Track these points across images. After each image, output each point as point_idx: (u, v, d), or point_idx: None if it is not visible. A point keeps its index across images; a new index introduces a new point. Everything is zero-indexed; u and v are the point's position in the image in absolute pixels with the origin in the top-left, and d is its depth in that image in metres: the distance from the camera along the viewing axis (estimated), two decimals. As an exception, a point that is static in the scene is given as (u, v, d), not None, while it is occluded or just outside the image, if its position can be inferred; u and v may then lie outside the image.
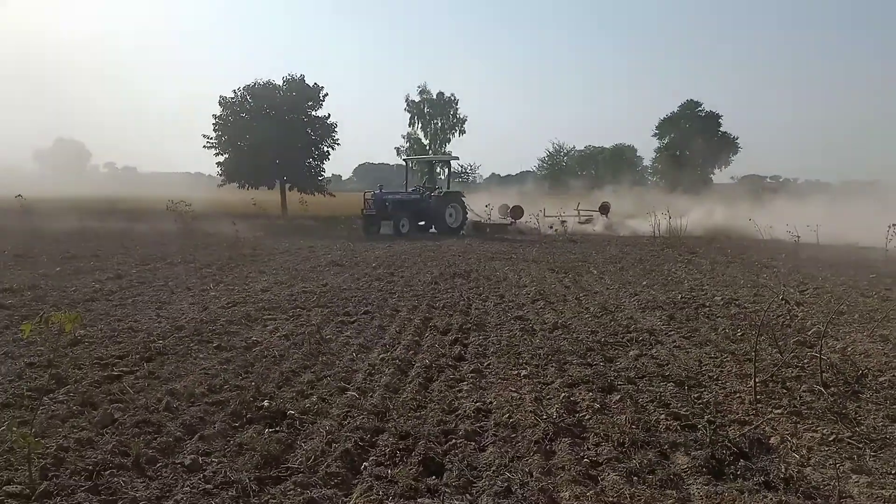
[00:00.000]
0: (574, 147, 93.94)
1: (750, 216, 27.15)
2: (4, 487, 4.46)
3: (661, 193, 53.25)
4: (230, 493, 4.45)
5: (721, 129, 79.57)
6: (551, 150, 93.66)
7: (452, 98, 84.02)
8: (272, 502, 4.36)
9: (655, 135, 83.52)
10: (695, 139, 74.67)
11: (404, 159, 33.74)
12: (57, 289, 12.50)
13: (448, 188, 31.86)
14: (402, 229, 28.33)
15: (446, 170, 34.81)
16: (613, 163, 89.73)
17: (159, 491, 4.49)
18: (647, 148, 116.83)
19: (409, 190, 31.46)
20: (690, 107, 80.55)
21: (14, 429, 4.69)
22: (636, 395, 6.70)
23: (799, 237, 21.12)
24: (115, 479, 4.63)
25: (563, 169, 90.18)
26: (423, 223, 30.49)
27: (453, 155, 39.94)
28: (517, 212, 32.47)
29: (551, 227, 30.39)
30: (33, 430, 4.80)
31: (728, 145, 79.72)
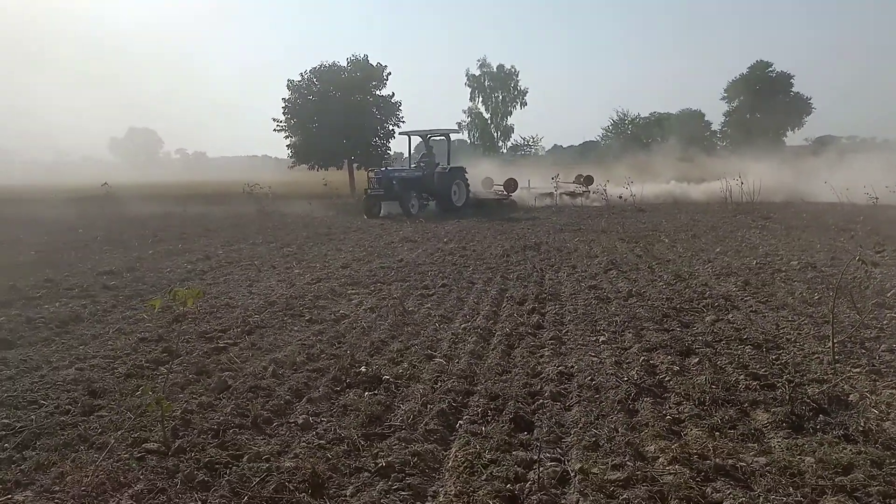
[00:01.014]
0: (639, 114, 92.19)
1: (825, 179, 26.44)
2: (143, 445, 5.03)
3: (731, 158, 51.90)
4: (342, 448, 4.92)
5: (793, 89, 76.87)
6: (615, 118, 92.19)
7: (513, 70, 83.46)
8: (380, 455, 4.81)
9: (724, 98, 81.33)
10: (766, 101, 72.40)
11: (400, 132, 31.54)
12: (153, 270, 13.34)
13: (449, 163, 29.28)
14: (412, 209, 26.40)
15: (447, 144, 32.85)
16: (681, 128, 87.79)
17: (279, 446, 4.99)
18: (715, 112, 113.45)
19: (412, 166, 29.30)
20: (760, 68, 78.08)
21: (150, 393, 5.26)
22: (714, 358, 6.91)
23: (877, 199, 20.54)
24: (239, 436, 5.16)
25: (629, 137, 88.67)
26: (426, 202, 28.60)
27: (453, 128, 37.90)
28: (510, 185, 31.40)
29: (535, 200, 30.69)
30: (163, 395, 5.35)
31: (801, 106, 77.07)
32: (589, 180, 32.81)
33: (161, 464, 4.69)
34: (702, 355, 6.98)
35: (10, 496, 4.26)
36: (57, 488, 4.35)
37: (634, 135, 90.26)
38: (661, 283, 11.07)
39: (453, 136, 31.31)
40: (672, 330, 8.13)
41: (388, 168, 27.87)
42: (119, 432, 5.20)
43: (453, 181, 28.31)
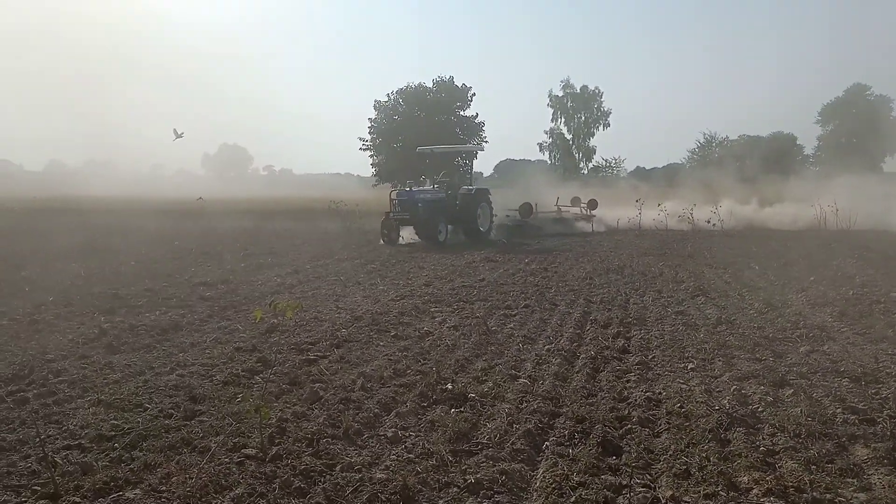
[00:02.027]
0: (727, 136, 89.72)
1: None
2: (242, 450, 5.27)
3: (824, 183, 49.94)
4: (431, 462, 5.01)
5: (893, 114, 73.46)
6: (702, 140, 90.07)
7: (597, 91, 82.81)
8: (469, 471, 4.88)
9: (818, 121, 78.43)
10: (863, 125, 69.44)
11: (419, 149, 27.88)
12: (245, 283, 13.86)
13: (471, 184, 26.19)
14: (440, 236, 22.74)
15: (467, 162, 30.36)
16: (771, 152, 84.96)
17: (370, 458, 5.13)
18: (808, 136, 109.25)
19: (433, 187, 25.05)
20: (858, 91, 74.97)
21: (249, 400, 5.50)
22: (809, 390, 6.68)
23: None
24: (331, 446, 5.33)
25: (714, 160, 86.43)
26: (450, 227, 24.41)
27: (476, 144, 34.17)
28: (526, 209, 28.14)
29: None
30: (261, 403, 5.58)
31: (902, 130, 73.48)
32: (592, 204, 30.64)
33: (259, 469, 4.89)
34: (796, 387, 6.77)
35: (121, 493, 4.53)
36: (163, 488, 4.61)
37: (721, 157, 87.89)
38: (751, 311, 10.76)
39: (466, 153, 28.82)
40: (764, 359, 7.91)
41: (413, 189, 23.69)
42: (219, 437, 5.46)
43: (478, 204, 24.80)
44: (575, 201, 30.99)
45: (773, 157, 74.45)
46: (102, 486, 4.58)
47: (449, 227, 23.66)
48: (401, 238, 23.10)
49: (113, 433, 5.57)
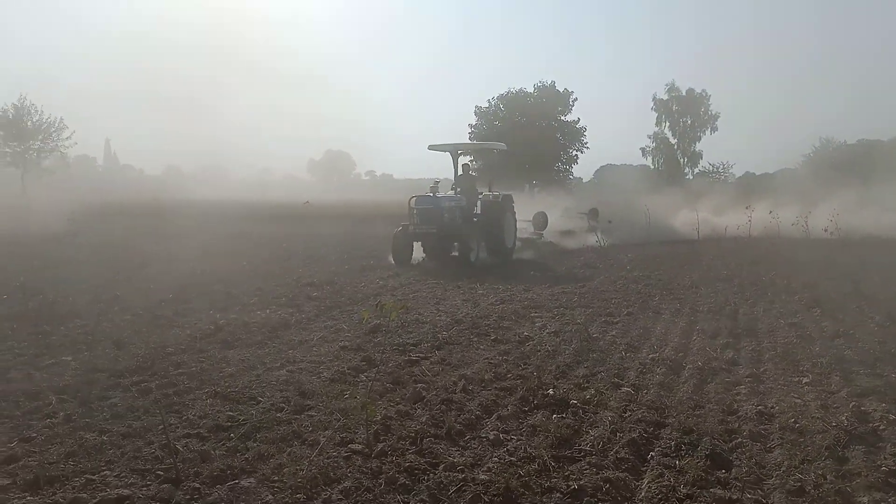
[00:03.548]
0: (844, 141, 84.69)
1: None
2: (349, 445, 5.43)
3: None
4: (533, 467, 5.01)
5: None
6: (817, 144, 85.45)
7: (704, 94, 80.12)
8: (571, 478, 4.85)
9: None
10: None
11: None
12: (349, 284, 14.24)
13: (491, 189, 20.51)
14: (472, 255, 17.84)
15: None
16: (893, 157, 79.62)
17: (472, 459, 5.18)
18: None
19: (453, 192, 19.99)
20: None
21: (356, 397, 5.67)
22: (938, 410, 6.26)
23: None
24: (434, 445, 5.42)
25: (830, 165, 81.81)
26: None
27: (497, 143, 28.39)
28: (540, 220, 24.43)
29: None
30: (368, 401, 5.73)
31: None
32: (594, 214, 27.50)
33: (365, 464, 5.03)
34: (923, 405, 6.35)
35: (237, 481, 4.76)
36: (276, 478, 4.81)
37: (838, 163, 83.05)
38: (872, 325, 10.15)
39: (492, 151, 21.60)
40: (886, 375, 7.45)
41: (437, 195, 18.60)
42: (327, 431, 5.65)
43: (503, 214, 19.57)
44: (592, 213, 27.44)
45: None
46: (219, 474, 4.83)
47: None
48: (415, 258, 18.69)
49: (229, 424, 5.86)
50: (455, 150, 21.22)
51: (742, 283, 14.70)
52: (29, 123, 35.74)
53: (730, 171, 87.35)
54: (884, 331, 9.72)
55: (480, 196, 19.76)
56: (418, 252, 18.71)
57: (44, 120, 36.17)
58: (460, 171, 20.35)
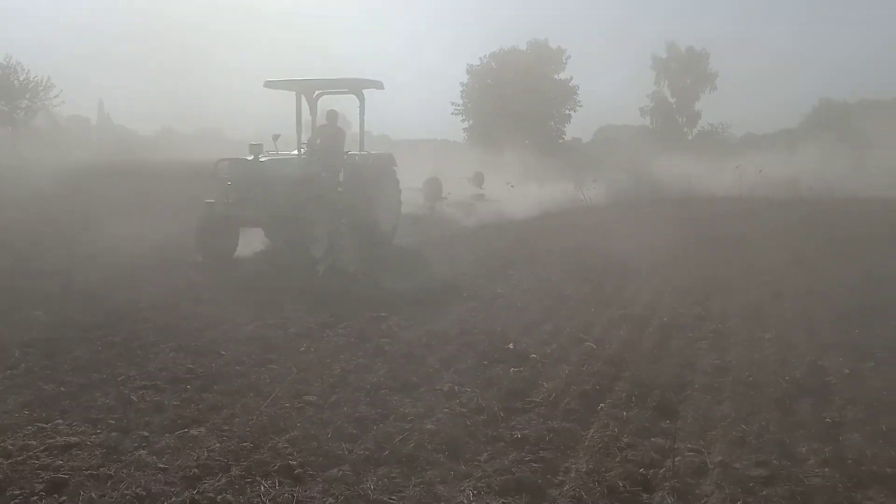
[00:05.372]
0: (845, 101, 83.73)
1: None
2: (304, 397, 5.49)
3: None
4: (482, 418, 5.08)
5: None
6: (816, 104, 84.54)
7: (704, 52, 78.99)
8: (517, 428, 4.91)
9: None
10: None
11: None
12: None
13: (362, 145, 14.11)
14: (316, 250, 11.25)
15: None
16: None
17: (424, 410, 5.24)
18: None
19: (299, 151, 13.35)
20: None
21: (311, 350, 5.72)
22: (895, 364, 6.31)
23: None
24: (388, 398, 5.48)
25: (832, 125, 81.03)
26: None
27: (371, 78, 14.55)
28: (433, 188, 21.77)
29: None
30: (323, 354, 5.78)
31: None
32: (479, 178, 26.09)
33: (317, 415, 5.10)
34: (880, 360, 6.40)
35: (187, 430, 4.81)
36: (226, 427, 4.89)
37: (840, 123, 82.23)
38: (848, 281, 10.13)
39: (367, 93, 14.11)
40: (850, 332, 7.48)
41: (266, 156, 12.21)
42: (283, 384, 5.71)
43: (378, 184, 13.61)
44: (478, 178, 25.68)
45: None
46: (170, 423, 4.89)
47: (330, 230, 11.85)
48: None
49: (187, 376, 5.92)
50: (309, 90, 14.09)
51: (723, 240, 14.67)
52: (16, 83, 35.46)
53: (728, 131, 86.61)
54: (859, 287, 9.73)
55: (347, 158, 13.28)
56: (250, 241, 12.45)
57: (31, 79, 35.94)
58: (325, 121, 13.76)
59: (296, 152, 13.18)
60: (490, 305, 8.84)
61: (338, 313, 8.13)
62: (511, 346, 6.81)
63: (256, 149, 11.77)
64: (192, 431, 4.78)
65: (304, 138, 13.75)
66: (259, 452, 4.49)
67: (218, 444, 4.58)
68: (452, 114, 41.08)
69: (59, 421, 4.93)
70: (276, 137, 12.66)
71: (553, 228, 17.56)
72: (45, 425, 4.85)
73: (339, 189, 12.81)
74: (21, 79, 35.54)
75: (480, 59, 40.82)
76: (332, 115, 13.69)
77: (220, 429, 4.85)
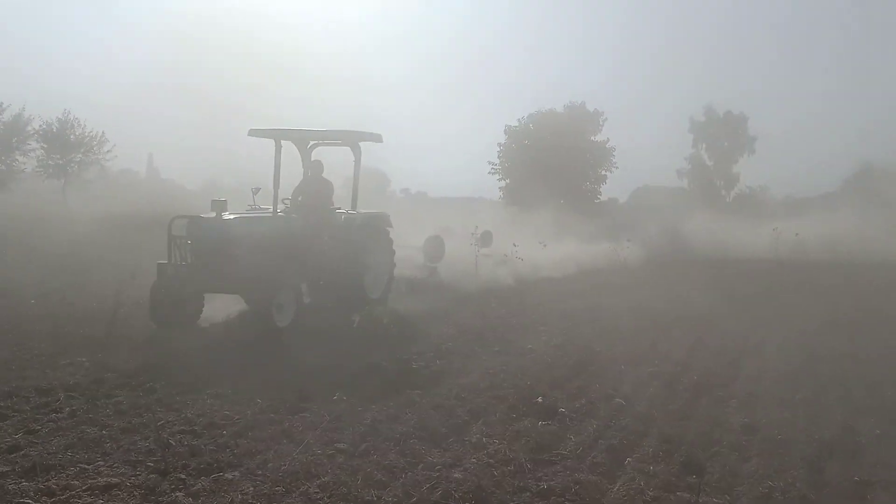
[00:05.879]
0: (885, 167, 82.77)
1: None
2: (335, 445, 5.63)
3: None
4: (509, 468, 5.16)
5: None
6: (856, 169, 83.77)
7: (742, 116, 79.15)
8: (544, 479, 4.97)
9: None
10: None
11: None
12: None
13: (355, 203, 12.76)
14: (279, 317, 10.04)
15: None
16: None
17: (452, 459, 5.33)
18: None
19: (281, 207, 11.60)
20: None
21: (344, 398, 5.87)
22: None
23: None
24: (417, 447, 5.58)
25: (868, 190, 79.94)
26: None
27: (370, 131, 12.84)
28: (435, 247, 19.03)
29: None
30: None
31: None
32: (487, 238, 23.03)
33: (348, 462, 5.22)
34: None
35: (221, 473, 4.97)
36: (260, 472, 5.03)
37: (881, 186, 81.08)
38: (883, 346, 10.03)
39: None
40: (885, 396, 7.41)
41: (229, 214, 10.54)
42: (316, 431, 5.85)
43: (366, 246, 12.12)
44: (486, 237, 22.82)
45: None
46: (206, 467, 5.06)
47: (302, 292, 11.17)
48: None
49: (223, 422, 6.10)
50: (303, 141, 12.81)
51: (757, 301, 14.57)
52: (72, 137, 36.96)
53: (767, 193, 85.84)
54: (893, 353, 9.61)
55: (334, 217, 12.08)
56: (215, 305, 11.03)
57: (86, 134, 37.42)
58: (310, 173, 12.56)
59: (263, 207, 11.43)
60: (521, 359, 8.91)
61: (370, 363, 8.28)
62: (540, 399, 6.87)
63: (219, 205, 10.43)
64: (226, 475, 4.93)
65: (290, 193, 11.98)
66: (291, 497, 4.63)
67: (252, 488, 4.73)
68: (490, 173, 41.70)
69: (101, 462, 5.13)
70: (255, 191, 11.56)
71: (585, 287, 17.59)
72: (87, 466, 5.05)
73: (321, 248, 11.44)
74: (77, 133, 37.05)
75: (518, 120, 41.56)
76: (317, 167, 12.48)
77: (254, 473, 5.00)
